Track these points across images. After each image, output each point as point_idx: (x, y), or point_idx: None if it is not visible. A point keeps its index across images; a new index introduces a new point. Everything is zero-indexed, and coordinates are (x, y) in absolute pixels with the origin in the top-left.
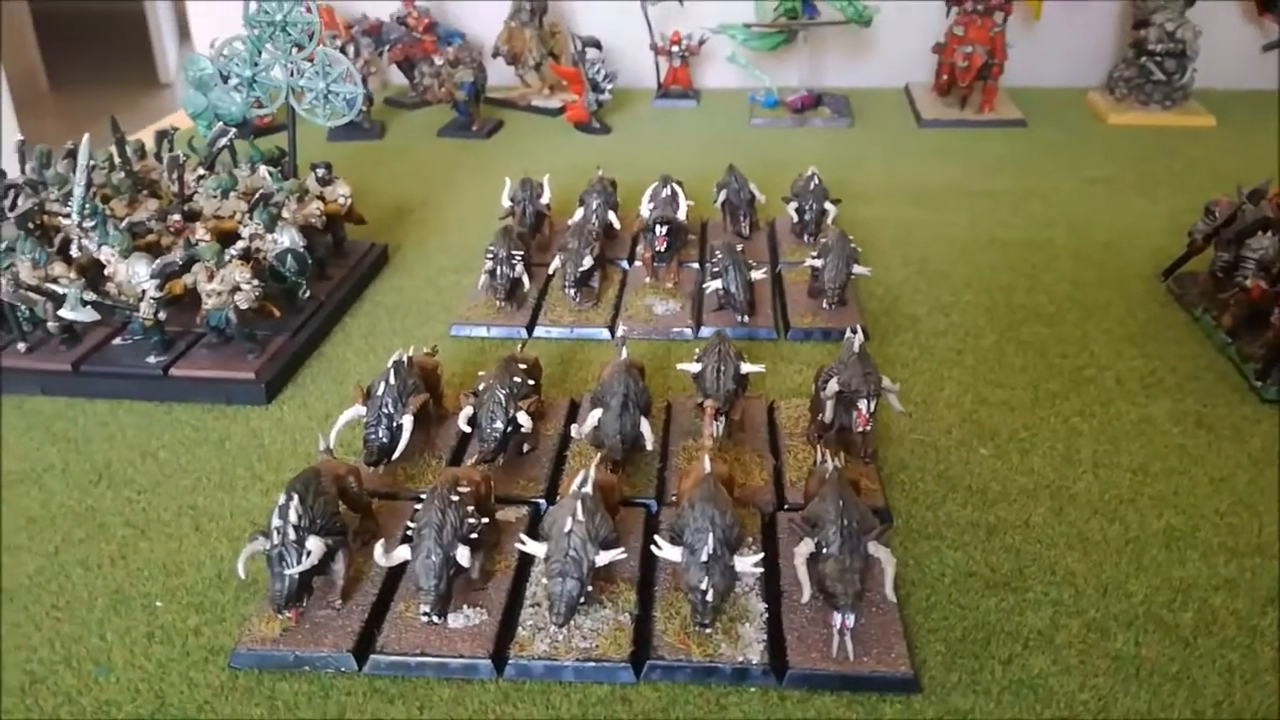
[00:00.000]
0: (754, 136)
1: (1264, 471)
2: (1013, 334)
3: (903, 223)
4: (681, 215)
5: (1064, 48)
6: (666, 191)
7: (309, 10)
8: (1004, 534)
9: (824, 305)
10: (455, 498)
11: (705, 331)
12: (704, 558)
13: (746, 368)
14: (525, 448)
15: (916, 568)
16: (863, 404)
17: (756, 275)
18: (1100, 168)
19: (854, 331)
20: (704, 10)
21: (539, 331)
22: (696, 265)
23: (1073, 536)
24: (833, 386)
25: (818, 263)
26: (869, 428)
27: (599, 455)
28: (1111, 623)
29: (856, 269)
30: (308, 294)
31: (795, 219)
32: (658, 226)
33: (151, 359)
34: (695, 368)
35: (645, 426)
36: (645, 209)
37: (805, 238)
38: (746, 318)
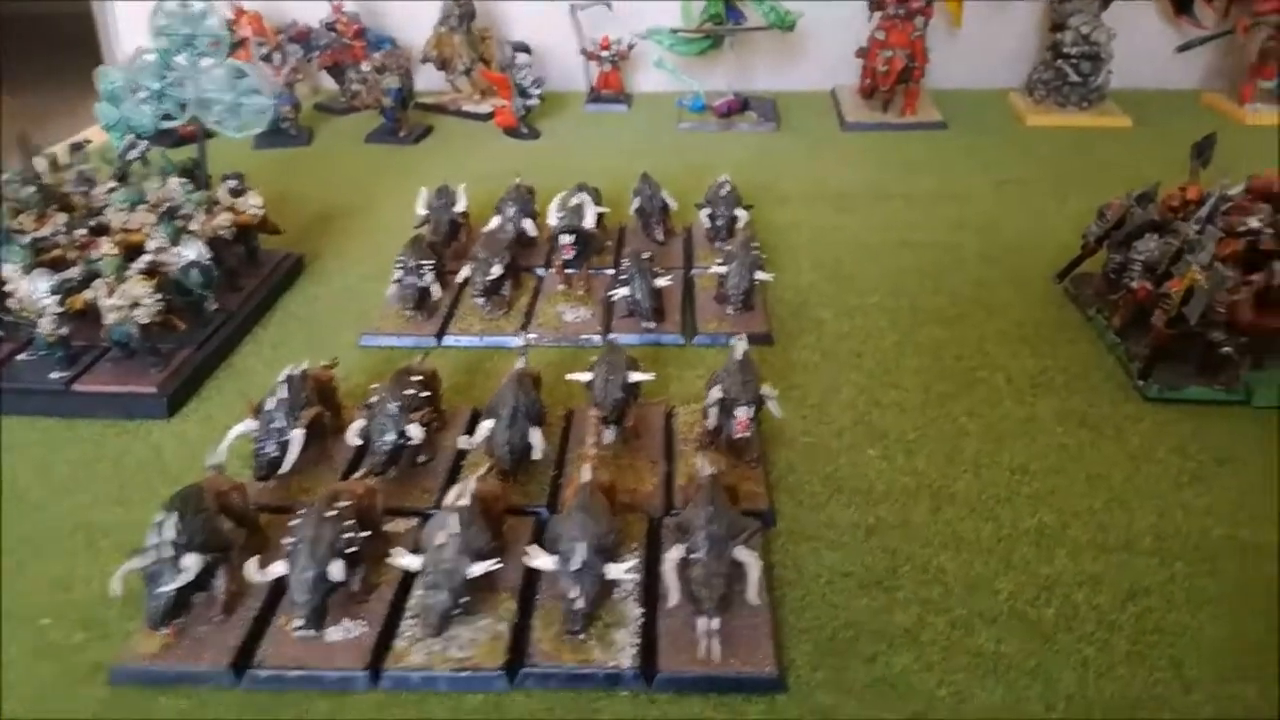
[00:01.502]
0: (681, 141)
1: (1140, 468)
2: (912, 336)
3: (819, 226)
4: (589, 223)
5: (986, 50)
6: (576, 199)
7: (238, 16)
8: (882, 534)
9: (729, 310)
10: (332, 513)
11: (614, 339)
12: (574, 566)
13: (635, 376)
14: (420, 459)
15: (794, 569)
16: (740, 411)
17: (662, 282)
18: (1015, 169)
19: (739, 339)
20: (634, 15)
21: (449, 340)
22: (611, 271)
23: (948, 535)
24: (714, 394)
25: (722, 269)
26: (749, 433)
27: (485, 466)
28: (976, 620)
29: (760, 275)
30: (215, 306)
31: (708, 225)
32: (563, 235)
33: (54, 374)
34: (586, 377)
35: (535, 436)
36: (553, 218)
37: (718, 244)
38: (652, 324)
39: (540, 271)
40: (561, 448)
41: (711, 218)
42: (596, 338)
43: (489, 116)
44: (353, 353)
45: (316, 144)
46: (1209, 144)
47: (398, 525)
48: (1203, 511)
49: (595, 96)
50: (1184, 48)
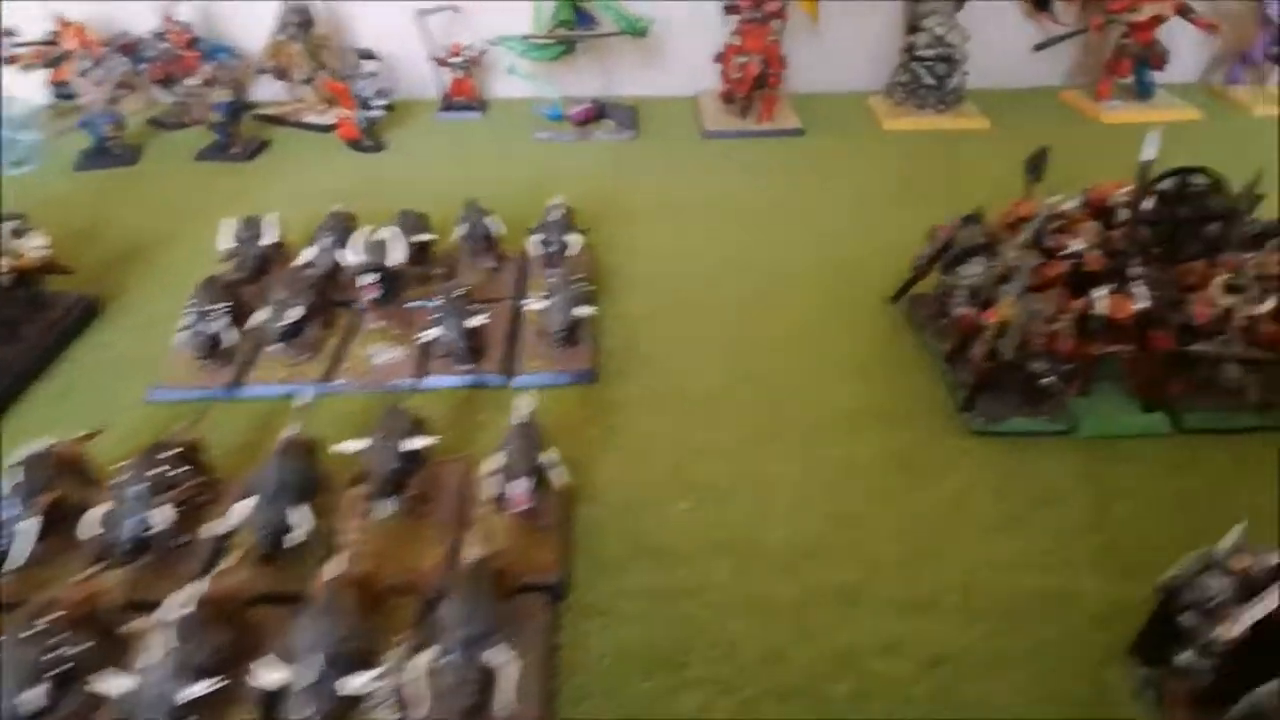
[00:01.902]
0: (536, 152)
1: (952, 514)
2: (743, 368)
3: (663, 246)
4: (395, 260)
5: (848, 52)
6: (382, 234)
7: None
8: (680, 601)
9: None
10: (32, 631)
11: (430, 382)
12: (305, 683)
13: (413, 443)
14: (178, 540)
15: (580, 648)
16: (515, 485)
17: (475, 321)
18: (871, 177)
19: (525, 398)
20: (486, 19)
21: (247, 391)
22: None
23: (747, 599)
24: (493, 461)
25: (539, 305)
26: (529, 505)
27: (238, 552)
28: (765, 699)
29: (580, 310)
30: None
31: (540, 252)
32: (363, 276)
33: None
34: (356, 446)
35: (297, 515)
36: (353, 255)
37: (549, 272)
38: (468, 366)
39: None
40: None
41: (545, 244)
42: (409, 382)
43: (333, 128)
44: (138, 411)
45: (144, 163)
46: (1042, 158)
47: (145, 622)
48: (1010, 563)
49: (448, 104)
50: (1040, 47)
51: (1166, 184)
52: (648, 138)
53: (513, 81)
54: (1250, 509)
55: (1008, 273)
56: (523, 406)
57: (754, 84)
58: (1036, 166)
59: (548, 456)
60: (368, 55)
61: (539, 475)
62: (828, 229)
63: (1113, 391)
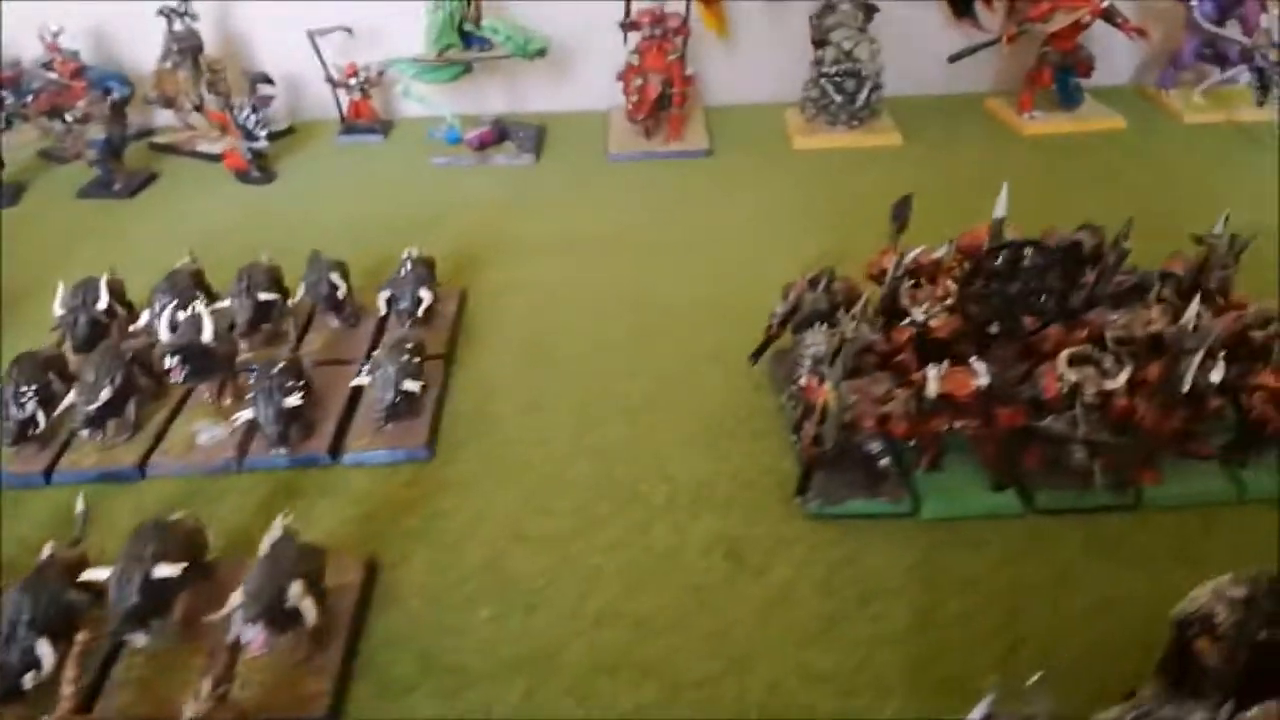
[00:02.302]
0: (432, 179)
1: (772, 614)
2: (591, 439)
3: (545, 287)
4: (207, 337)
5: (762, 63)
6: (192, 311)
7: None
8: None
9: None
10: None
11: (253, 462)
12: None
13: (163, 570)
14: None
15: None
16: (248, 630)
17: (291, 401)
18: (777, 202)
19: (275, 526)
20: (382, 40)
21: (58, 478)
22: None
23: None
24: (232, 601)
25: (364, 380)
26: (265, 651)
27: None
28: None
29: (408, 385)
30: None
31: (384, 311)
32: (168, 359)
33: None
34: (103, 574)
35: (41, 649)
36: (163, 333)
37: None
38: (282, 450)
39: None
40: None
41: (390, 301)
42: (232, 464)
43: (222, 158)
44: None
45: (26, 202)
46: (905, 206)
47: None
48: (820, 675)
49: (348, 127)
50: (954, 58)
51: (998, 260)
52: (550, 161)
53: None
54: (1092, 603)
55: (840, 347)
56: (274, 530)
57: (653, 106)
58: (900, 215)
59: (296, 589)
60: (264, 79)
61: (288, 612)
62: (724, 262)
63: (966, 465)
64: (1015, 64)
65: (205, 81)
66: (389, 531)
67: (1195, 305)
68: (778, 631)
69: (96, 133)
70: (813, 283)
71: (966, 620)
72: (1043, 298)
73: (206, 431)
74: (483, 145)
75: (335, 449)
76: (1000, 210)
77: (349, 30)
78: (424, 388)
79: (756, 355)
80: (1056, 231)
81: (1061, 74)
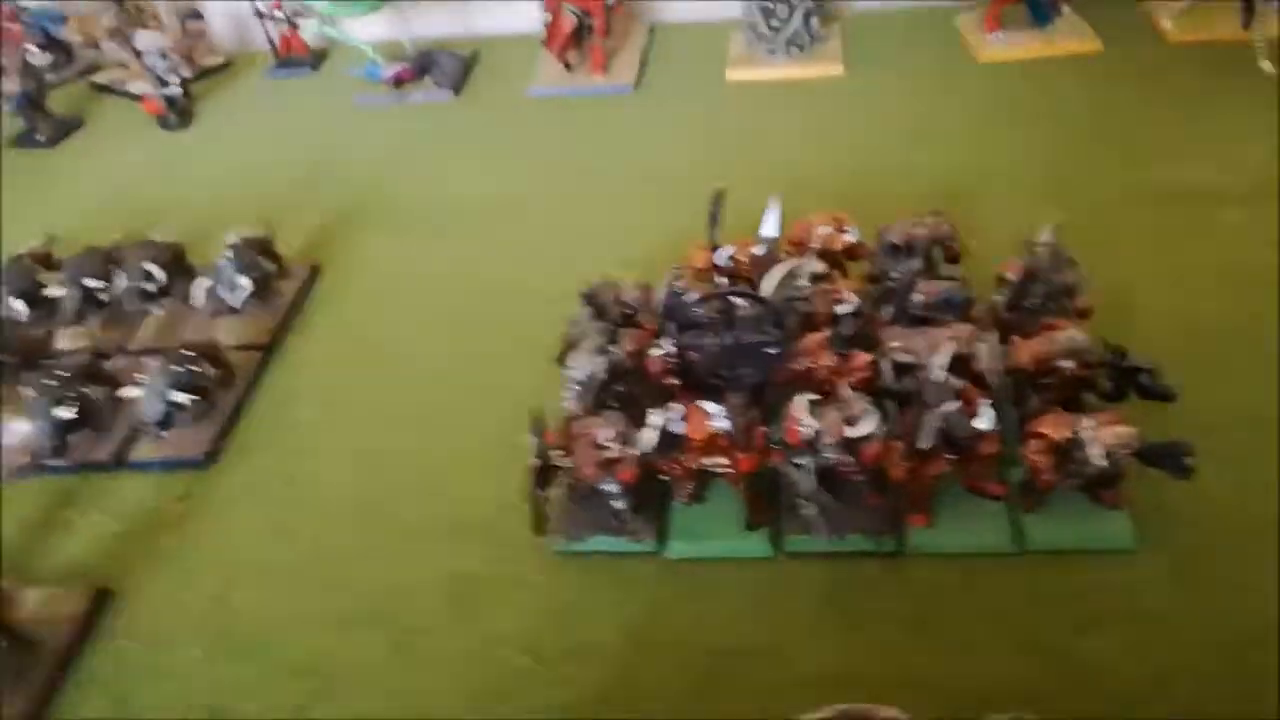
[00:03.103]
0: (351, 120)
1: (466, 671)
2: (375, 448)
3: (403, 264)
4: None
5: None
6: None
7: None
8: None
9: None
10: None
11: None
12: None
13: None
14: None
15: None
16: None
17: (64, 413)
18: (694, 150)
19: None
20: None
21: None
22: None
23: None
24: None
25: (133, 392)
26: None
27: None
28: None
29: (176, 397)
30: None
31: (201, 302)
32: None
33: None
34: None
35: None
36: None
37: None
38: (57, 461)
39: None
40: None
41: (211, 292)
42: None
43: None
44: None
45: None
46: (718, 202)
47: None
48: None
49: (281, 61)
50: None
51: (712, 306)
52: (470, 97)
53: (359, 26)
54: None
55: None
56: None
57: (567, 40)
58: (714, 211)
59: None
60: (192, 14)
61: None
62: (618, 227)
63: (731, 500)
64: None
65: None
66: (139, 553)
67: (947, 353)
68: (463, 691)
69: (8, 86)
70: (587, 296)
71: (661, 687)
72: (763, 348)
73: (12, 431)
74: (399, 81)
75: (120, 455)
76: (770, 229)
77: None
78: (203, 398)
79: (561, 358)
80: (895, 224)
81: None
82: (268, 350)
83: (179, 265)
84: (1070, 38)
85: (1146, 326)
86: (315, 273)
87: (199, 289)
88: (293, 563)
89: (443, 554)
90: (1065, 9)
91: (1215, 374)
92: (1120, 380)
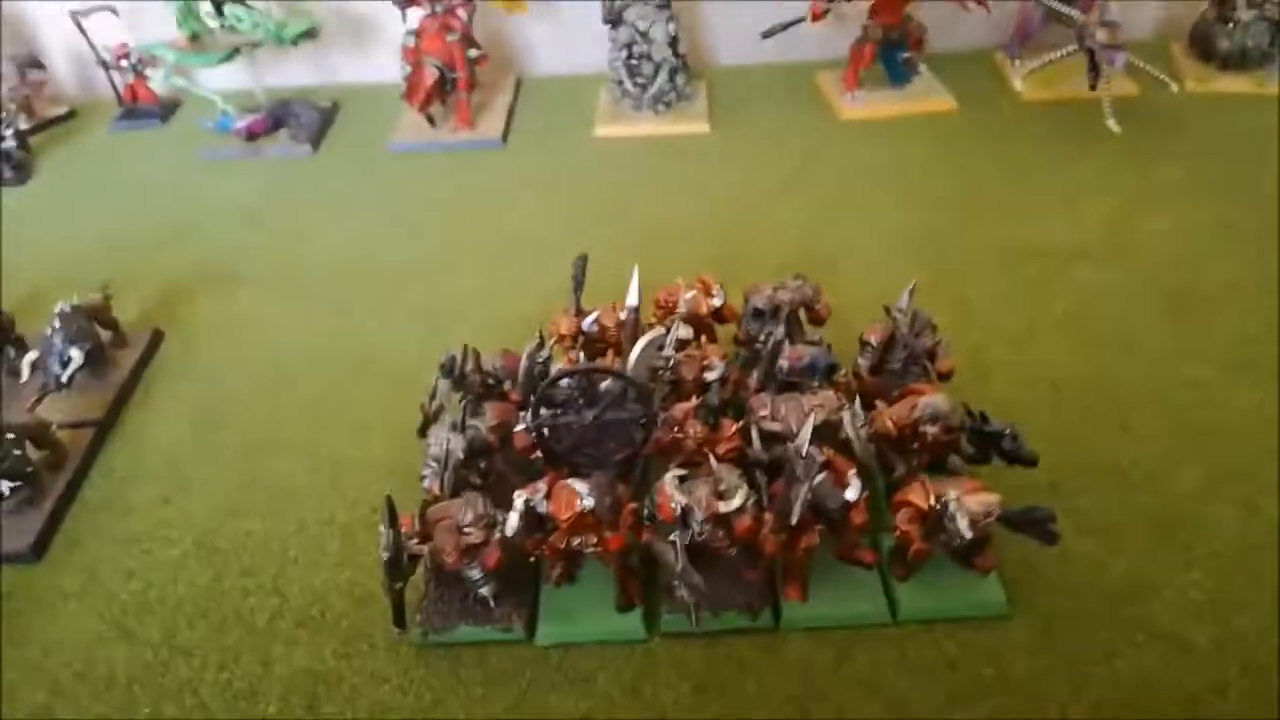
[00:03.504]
0: (199, 175)
1: None
2: (218, 535)
3: (255, 329)
4: None
5: (579, 30)
6: None
7: None
8: None
9: None
10: None
11: None
12: None
13: None
14: None
15: None
16: None
17: None
18: (558, 208)
19: None
20: (149, 21)
21: None
22: None
23: None
24: None
25: None
26: None
27: None
28: None
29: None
30: None
31: (26, 376)
32: None
33: None
34: None
35: None
36: None
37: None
38: None
39: None
40: None
41: (36, 366)
42: None
43: None
44: None
45: None
46: (582, 268)
47: None
48: None
49: (126, 111)
50: (767, 34)
51: (562, 386)
52: (329, 150)
53: (209, 76)
54: None
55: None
56: None
57: (429, 95)
58: (578, 278)
59: None
60: (33, 63)
61: None
62: (484, 289)
63: (604, 580)
64: (850, 32)
65: None
66: None
67: (809, 425)
68: None
69: None
70: (444, 369)
71: None
72: (627, 424)
73: None
74: (252, 135)
75: None
76: (632, 298)
77: (114, 10)
78: (25, 484)
79: (421, 431)
80: (759, 287)
81: (888, 49)
82: (102, 427)
83: (6, 336)
84: (926, 98)
85: (1003, 384)
86: (157, 340)
87: (26, 363)
88: (129, 669)
89: (294, 652)
90: (922, 69)
91: (1071, 430)
92: (982, 445)
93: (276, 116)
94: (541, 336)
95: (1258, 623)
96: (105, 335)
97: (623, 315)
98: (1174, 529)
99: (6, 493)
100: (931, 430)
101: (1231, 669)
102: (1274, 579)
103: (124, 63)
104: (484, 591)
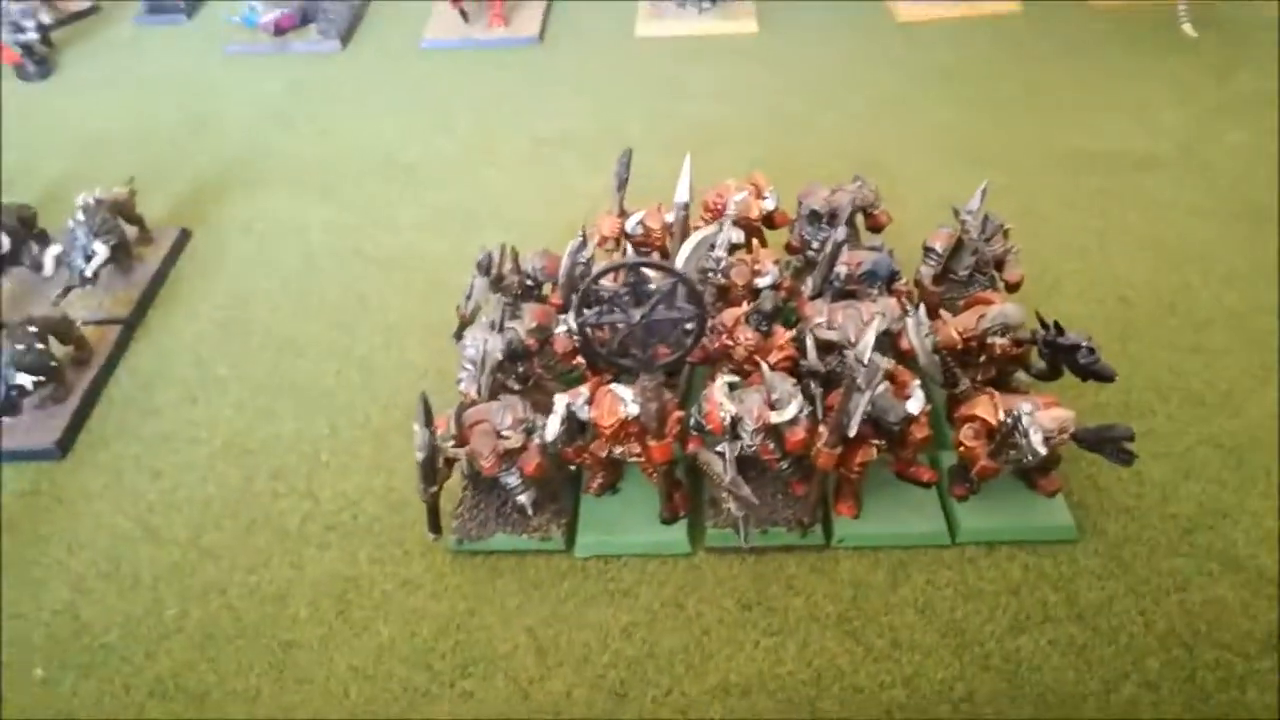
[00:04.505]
0: (224, 71)
1: (347, 687)
2: (247, 435)
3: (283, 229)
4: None
5: None
6: None
7: None
8: None
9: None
10: None
11: None
12: None
13: None
14: None
15: None
16: None
17: None
18: (599, 108)
19: None
20: None
21: None
22: None
23: None
24: None
25: None
26: None
27: None
28: None
29: (19, 379)
30: None
31: (51, 271)
32: None
33: None
34: None
35: None
36: None
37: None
38: None
39: None
40: None
41: (61, 260)
42: None
43: None
44: None
45: None
46: (626, 164)
47: None
48: None
49: (152, 5)
50: None
51: (620, 280)
52: (358, 47)
53: None
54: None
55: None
56: None
57: None
58: (621, 176)
59: None
60: None
61: None
62: (519, 190)
63: (646, 492)
64: None
65: None
66: None
67: (872, 331)
68: (349, 713)
69: None
70: (482, 267)
71: (570, 702)
72: (676, 324)
73: None
74: (280, 30)
75: None
76: (683, 194)
77: None
78: (49, 379)
79: (458, 335)
80: (814, 189)
81: None
82: (128, 325)
83: (29, 230)
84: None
85: (1071, 297)
86: (184, 238)
87: (50, 257)
88: (155, 569)
89: (326, 555)
90: None
91: (1142, 348)
92: (1055, 358)
93: (305, 11)
94: (584, 235)
95: None
96: (130, 231)
97: (669, 216)
98: (1250, 454)
99: (30, 387)
100: (1001, 342)
101: None
102: None
103: None
104: (522, 499)
